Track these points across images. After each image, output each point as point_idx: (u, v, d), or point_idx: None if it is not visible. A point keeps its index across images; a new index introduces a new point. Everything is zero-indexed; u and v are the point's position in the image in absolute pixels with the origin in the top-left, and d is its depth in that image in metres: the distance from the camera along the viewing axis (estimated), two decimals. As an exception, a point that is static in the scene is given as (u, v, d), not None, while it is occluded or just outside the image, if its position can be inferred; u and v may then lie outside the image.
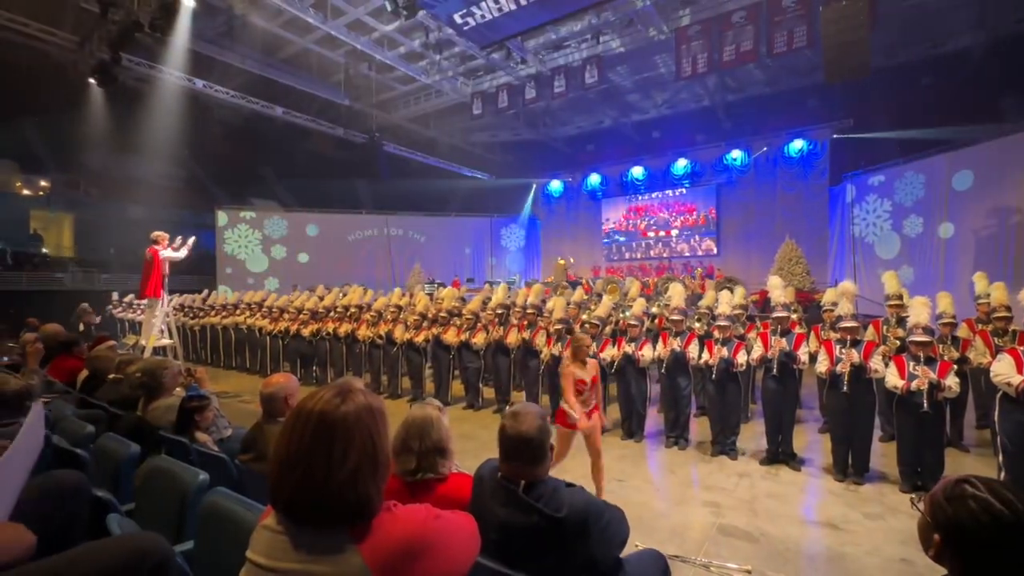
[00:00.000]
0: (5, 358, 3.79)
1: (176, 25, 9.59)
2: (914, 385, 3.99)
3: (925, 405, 3.91)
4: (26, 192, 21.14)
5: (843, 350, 4.35)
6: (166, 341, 7.55)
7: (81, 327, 11.13)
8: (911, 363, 4.11)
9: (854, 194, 13.44)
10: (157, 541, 1.27)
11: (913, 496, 1.24)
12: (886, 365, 4.29)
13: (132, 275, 16.42)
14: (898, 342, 5.01)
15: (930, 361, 4.07)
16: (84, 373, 4.12)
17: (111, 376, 3.85)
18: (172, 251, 7.34)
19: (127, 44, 10.48)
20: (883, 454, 4.87)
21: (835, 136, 13.90)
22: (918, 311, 4.31)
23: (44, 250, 20.88)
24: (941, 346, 4.73)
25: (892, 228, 12.40)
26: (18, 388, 3.00)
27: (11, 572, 1.10)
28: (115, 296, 14.27)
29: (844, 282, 5.45)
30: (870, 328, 5.47)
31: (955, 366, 4.22)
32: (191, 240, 7.66)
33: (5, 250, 18.42)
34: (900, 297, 5.47)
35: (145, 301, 7.64)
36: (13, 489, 1.36)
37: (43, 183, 21.40)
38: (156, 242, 7.24)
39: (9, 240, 19.16)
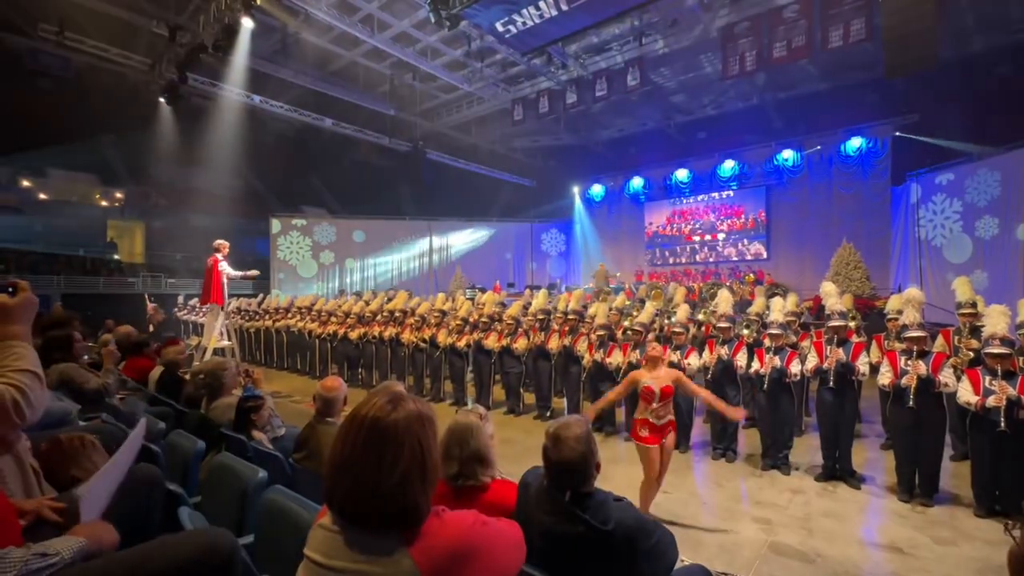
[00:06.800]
0: (86, 356, 4.12)
1: (236, 45, 10.20)
2: (990, 401, 3.68)
3: (1003, 424, 3.60)
4: (104, 203, 22.99)
5: (909, 361, 4.07)
6: (226, 343, 7.99)
7: (151, 328, 12.00)
8: (987, 377, 3.79)
9: (919, 194, 12.58)
10: (226, 537, 1.35)
11: (1008, 522, 1.15)
12: (958, 379, 3.98)
13: (195, 280, 17.54)
14: (972, 354, 4.64)
15: (1009, 375, 3.73)
16: (156, 371, 4.43)
17: (179, 374, 4.13)
18: (230, 268, 7.84)
19: (193, 65, 11.28)
20: (955, 474, 4.52)
21: (898, 133, 13.07)
22: (995, 320, 3.99)
23: (117, 256, 22.63)
24: (1022, 359, 4.34)
25: (963, 230, 11.51)
26: (97, 386, 3.30)
27: (97, 561, 1.20)
28: (180, 299, 15.25)
29: (910, 288, 5.10)
30: (939, 338, 5.08)
31: (1039, 381, 3.86)
32: (253, 272, 8.46)
33: (85, 257, 20.10)
34: (974, 305, 5.07)
35: (207, 306, 8.13)
36: (110, 491, 1.49)
37: (118, 195, 23.21)
38: (217, 250, 7.69)
39: (89, 247, 20.89)
